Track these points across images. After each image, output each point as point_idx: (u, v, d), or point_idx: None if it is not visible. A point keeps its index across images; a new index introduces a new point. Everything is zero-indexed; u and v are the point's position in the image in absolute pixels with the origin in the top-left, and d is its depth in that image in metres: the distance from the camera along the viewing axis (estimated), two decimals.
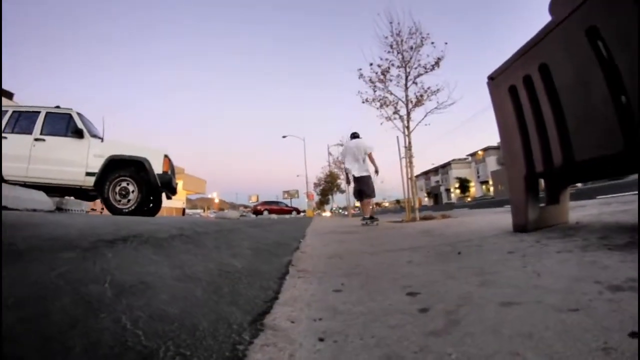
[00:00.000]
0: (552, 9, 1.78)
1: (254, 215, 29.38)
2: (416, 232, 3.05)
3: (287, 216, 17.93)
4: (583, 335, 0.60)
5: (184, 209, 27.47)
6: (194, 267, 1.16)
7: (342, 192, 34.23)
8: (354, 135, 6.23)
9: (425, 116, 6.75)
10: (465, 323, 0.73)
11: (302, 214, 31.66)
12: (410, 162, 6.89)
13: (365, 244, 2.53)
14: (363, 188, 5.94)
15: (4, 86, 26.06)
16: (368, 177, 5.98)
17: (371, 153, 5.99)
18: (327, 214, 45.67)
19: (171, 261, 1.14)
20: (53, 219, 1.69)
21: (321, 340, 0.71)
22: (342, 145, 23.74)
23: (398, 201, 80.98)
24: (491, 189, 51.19)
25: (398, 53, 6.80)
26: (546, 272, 1.06)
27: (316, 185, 38.51)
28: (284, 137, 32.40)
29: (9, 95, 23.80)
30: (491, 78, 2.33)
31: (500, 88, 2.23)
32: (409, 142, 6.78)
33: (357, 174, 5.91)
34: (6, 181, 5.29)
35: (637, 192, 4.64)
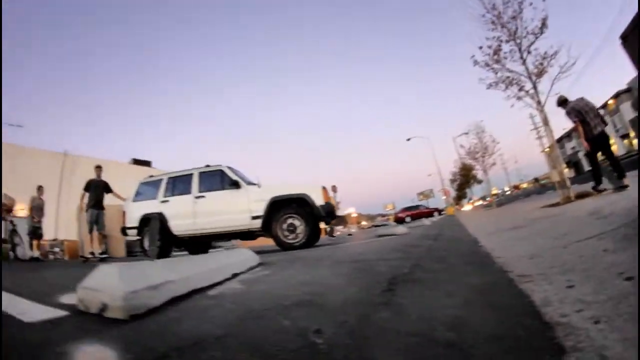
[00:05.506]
0: None
1: (394, 224, 28.06)
2: (585, 216, 2.88)
3: (431, 219, 16.42)
4: None
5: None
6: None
7: (480, 182, 31.70)
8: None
9: (553, 85, 6.05)
10: None
11: (442, 213, 28.92)
12: (552, 136, 6.41)
13: (546, 237, 2.50)
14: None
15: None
16: None
17: None
18: (467, 207, 41.57)
19: None
20: None
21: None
22: (466, 134, 21.65)
23: (537, 179, 69.76)
24: (634, 142, 39.48)
25: (502, 27, 6.36)
26: None
27: (452, 181, 36.37)
28: (408, 139, 29.68)
29: (147, 163, 23.72)
30: (624, 38, 2.23)
31: (635, 45, 2.11)
32: (545, 117, 6.21)
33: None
34: (177, 236, 6.04)
35: None
